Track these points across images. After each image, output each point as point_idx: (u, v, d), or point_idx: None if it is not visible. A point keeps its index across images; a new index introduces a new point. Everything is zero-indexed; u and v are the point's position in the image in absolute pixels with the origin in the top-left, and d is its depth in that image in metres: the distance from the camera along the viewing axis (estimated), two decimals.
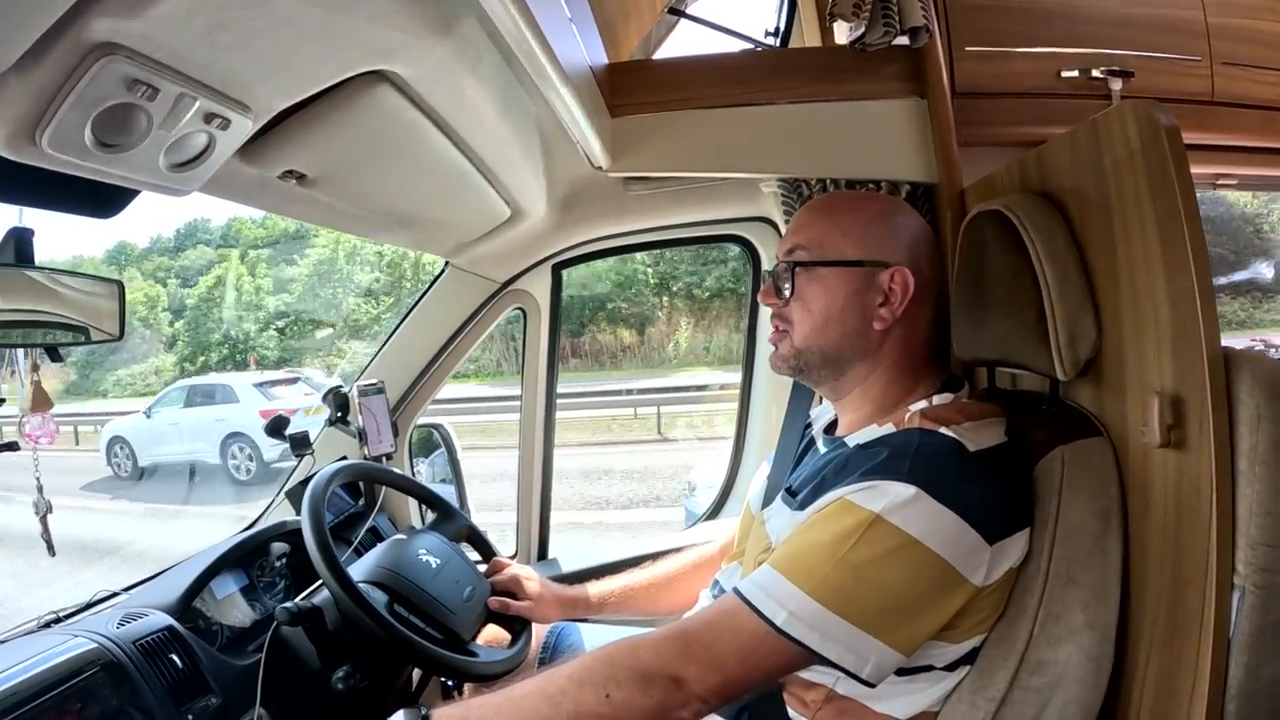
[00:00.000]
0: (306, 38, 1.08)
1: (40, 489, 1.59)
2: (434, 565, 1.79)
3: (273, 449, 12.77)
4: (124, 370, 27.86)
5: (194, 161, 1.18)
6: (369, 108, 1.31)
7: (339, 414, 2.26)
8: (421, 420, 2.59)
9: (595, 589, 1.98)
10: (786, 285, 1.47)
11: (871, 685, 1.20)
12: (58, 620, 1.84)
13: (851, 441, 1.41)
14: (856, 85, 1.82)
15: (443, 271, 2.45)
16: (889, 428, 1.35)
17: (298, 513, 2.18)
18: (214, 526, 9.96)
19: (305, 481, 2.21)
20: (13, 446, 1.49)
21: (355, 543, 2.12)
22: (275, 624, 1.66)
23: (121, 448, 14.68)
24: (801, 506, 1.34)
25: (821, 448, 1.54)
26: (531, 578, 1.97)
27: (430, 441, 2.68)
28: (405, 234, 2.10)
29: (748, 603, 1.21)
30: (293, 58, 1.11)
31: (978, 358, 1.50)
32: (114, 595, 1.96)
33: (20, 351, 1.46)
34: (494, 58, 1.35)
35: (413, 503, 2.51)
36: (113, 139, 1.03)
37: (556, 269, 2.58)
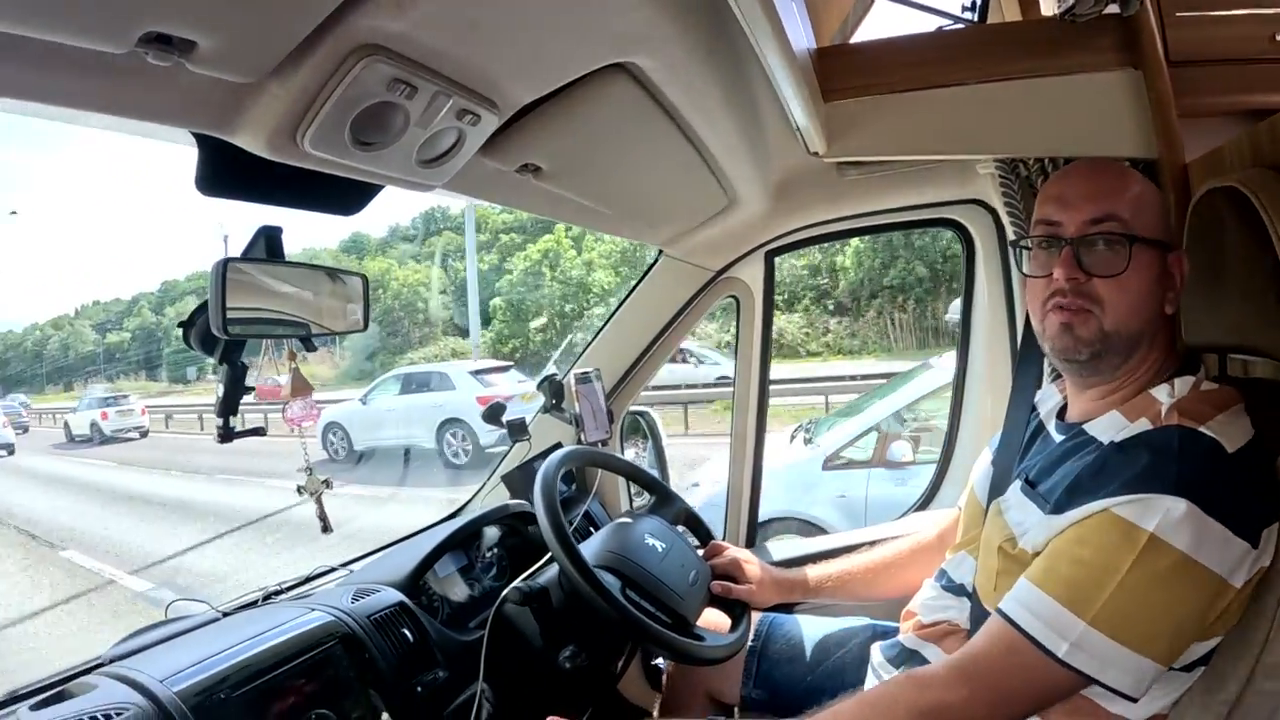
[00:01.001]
0: (557, 32, 1.08)
1: (309, 470, 1.69)
2: (660, 549, 1.79)
3: (488, 434, 13.12)
4: (416, 352, 29.74)
5: (443, 157, 1.20)
6: (607, 100, 1.31)
7: (554, 401, 2.30)
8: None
9: (813, 572, 1.95)
10: (1100, 259, 1.33)
11: (1134, 700, 1.17)
12: (279, 592, 1.97)
13: (1094, 431, 1.33)
14: (1068, 59, 1.69)
15: (656, 261, 2.45)
16: (1143, 424, 1.26)
17: (513, 497, 2.25)
18: (423, 510, 10.39)
19: (523, 467, 2.28)
20: (259, 431, 1.59)
21: (572, 527, 2.17)
22: (500, 602, 1.72)
23: (336, 433, 15.49)
24: (1057, 509, 1.27)
25: (1055, 435, 1.46)
26: (751, 561, 1.96)
27: (635, 428, 2.71)
28: (626, 224, 2.11)
29: (1025, 634, 1.18)
30: (542, 53, 1.12)
31: (1210, 343, 1.40)
32: (332, 570, 2.08)
33: (277, 341, 1.55)
34: (726, 44, 1.32)
35: (621, 487, 2.54)
36: (370, 137, 1.06)
37: (770, 256, 2.53)
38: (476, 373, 14.95)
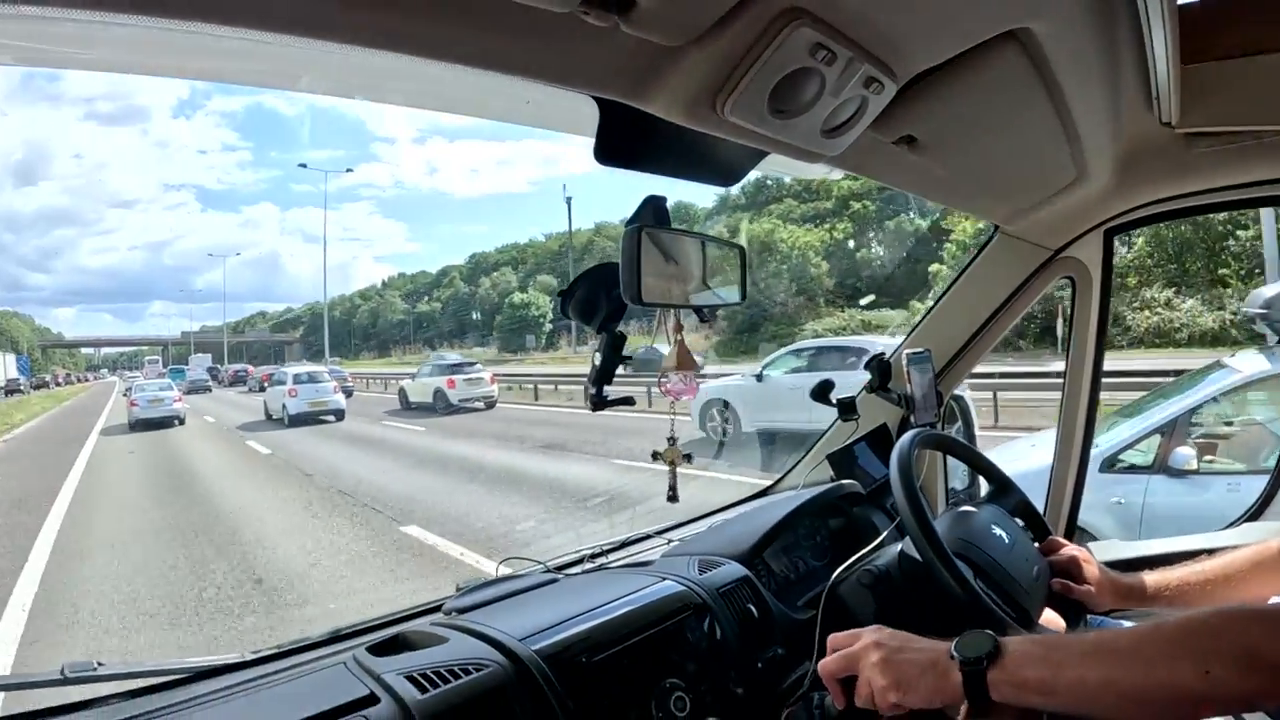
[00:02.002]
0: None
1: (673, 440, 1.72)
2: (1005, 540, 1.72)
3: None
4: (819, 323, 28.44)
5: (842, 127, 1.21)
6: (992, 69, 1.26)
7: (879, 381, 2.24)
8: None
9: (1151, 579, 1.80)
10: None
11: None
12: (602, 554, 2.01)
13: None
14: None
15: (991, 238, 2.35)
16: None
17: (838, 476, 2.22)
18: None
19: (847, 447, 2.24)
20: (629, 401, 1.62)
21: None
22: (836, 582, 1.70)
23: (719, 410, 14.22)
24: None
25: None
26: (1090, 560, 1.83)
27: (948, 413, 2.59)
28: (974, 199, 2.04)
29: None
30: (950, 18, 1.09)
31: None
32: (647, 537, 2.14)
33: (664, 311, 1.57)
34: (1112, 3, 1.23)
35: (940, 474, 2.48)
36: (783, 104, 1.07)
37: (1109, 235, 2.36)
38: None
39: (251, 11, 0.78)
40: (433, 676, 1.35)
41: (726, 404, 14.10)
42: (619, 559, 2.08)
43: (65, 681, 1.48)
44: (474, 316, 56.59)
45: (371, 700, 1.31)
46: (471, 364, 26.19)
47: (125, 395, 28.34)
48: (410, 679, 1.35)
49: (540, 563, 1.93)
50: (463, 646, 1.47)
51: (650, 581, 1.70)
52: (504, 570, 1.91)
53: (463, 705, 1.32)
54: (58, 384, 58.04)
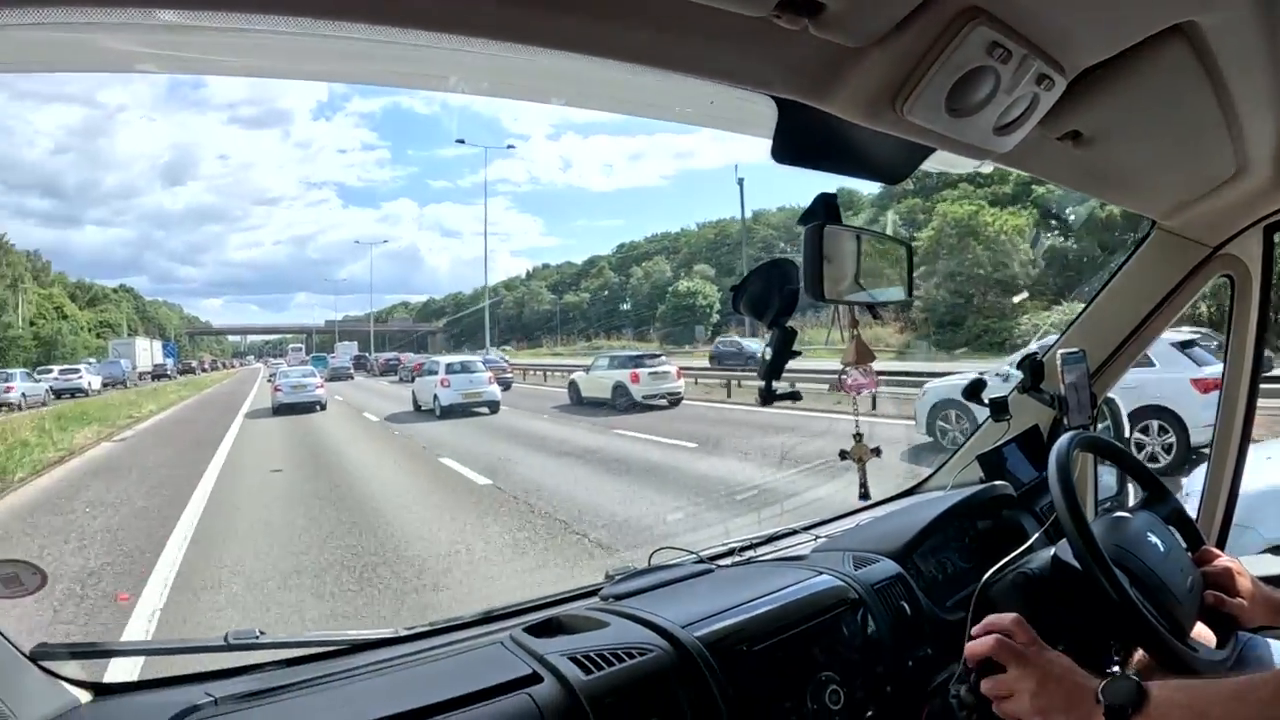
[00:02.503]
0: None
1: (859, 437, 1.74)
2: (1161, 549, 1.68)
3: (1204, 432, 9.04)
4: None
5: (1012, 125, 1.23)
6: (1160, 62, 1.26)
7: (1031, 381, 2.23)
8: None
9: None
10: None
11: None
12: (749, 547, 2.03)
13: None
14: None
15: (1147, 235, 2.30)
16: None
17: (988, 477, 2.20)
18: None
19: (998, 449, 2.22)
20: (796, 396, 1.64)
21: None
22: (988, 584, 1.67)
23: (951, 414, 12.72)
24: None
25: None
26: (1243, 573, 1.76)
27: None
28: (1131, 193, 2.01)
29: None
30: (1118, 13, 1.11)
31: None
32: (794, 532, 2.15)
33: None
34: None
35: (1090, 479, 2.40)
36: (958, 103, 1.09)
37: (1269, 232, 2.27)
38: (1185, 345, 10.08)
39: (453, 18, 0.86)
40: (596, 659, 1.39)
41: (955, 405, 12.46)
42: (767, 553, 2.11)
43: (229, 648, 1.59)
44: (624, 307, 55.78)
45: (534, 679, 1.36)
46: (656, 356, 24.33)
47: (270, 381, 29.08)
48: (574, 660, 1.39)
49: (692, 552, 1.97)
50: (625, 631, 1.51)
51: (807, 575, 1.73)
52: (656, 560, 1.96)
53: (626, 687, 1.36)
54: (203, 369, 57.80)
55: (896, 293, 1.55)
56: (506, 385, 25.91)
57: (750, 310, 1.47)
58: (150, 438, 19.00)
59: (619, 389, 21.50)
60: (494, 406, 21.14)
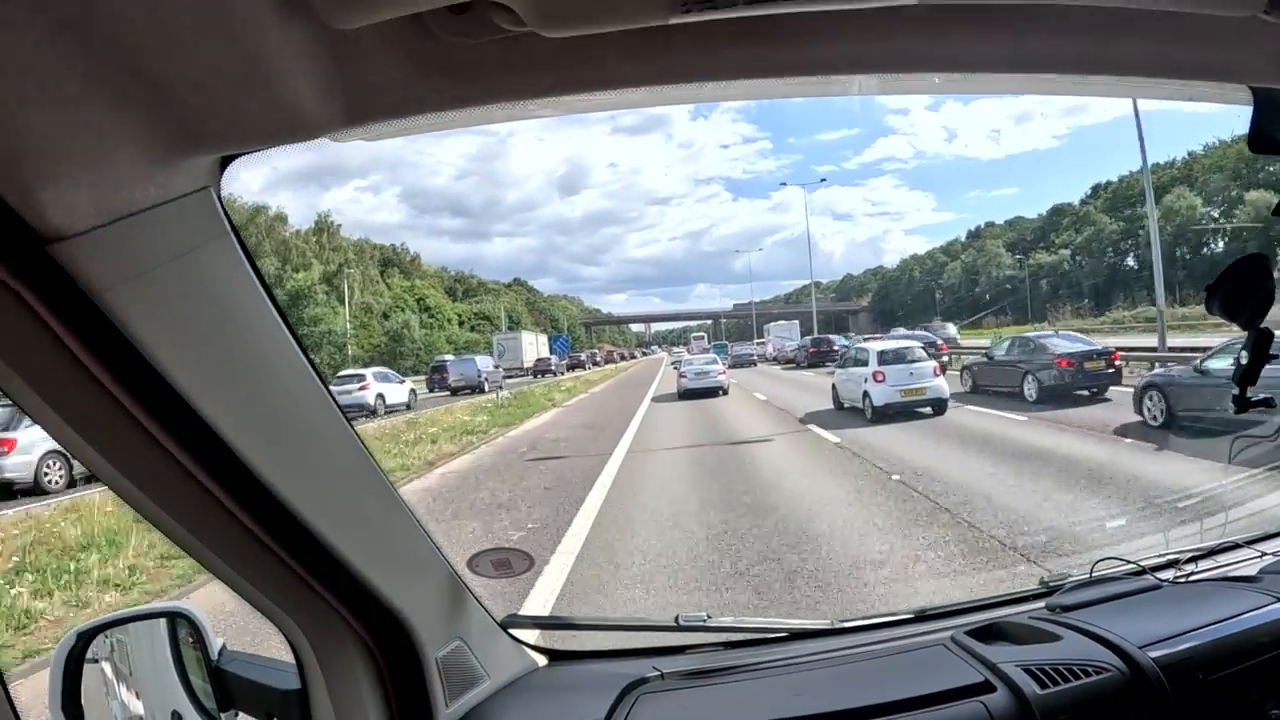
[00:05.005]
0: None
1: None
2: None
3: None
4: None
5: None
6: None
7: None
8: None
9: None
10: None
11: None
12: (1190, 560, 1.94)
13: None
14: None
15: None
16: None
17: None
18: None
19: None
20: (1270, 403, 1.56)
21: None
22: None
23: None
24: None
25: None
26: None
27: None
28: None
29: None
30: None
31: None
32: (1236, 546, 1.98)
33: None
34: None
35: None
36: None
37: None
38: None
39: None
40: (1051, 673, 1.36)
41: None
42: (1208, 567, 1.95)
43: (679, 628, 1.72)
44: (1128, 262, 46.19)
45: (987, 688, 1.36)
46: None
47: (674, 367, 31.51)
48: (1028, 672, 1.37)
49: (1139, 565, 1.88)
50: (1077, 646, 1.47)
51: (1265, 601, 1.60)
52: (1099, 570, 1.87)
53: (1080, 707, 1.33)
54: (594, 364, 51.26)
55: None
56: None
57: (1223, 311, 1.38)
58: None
59: None
60: (939, 406, 16.73)
